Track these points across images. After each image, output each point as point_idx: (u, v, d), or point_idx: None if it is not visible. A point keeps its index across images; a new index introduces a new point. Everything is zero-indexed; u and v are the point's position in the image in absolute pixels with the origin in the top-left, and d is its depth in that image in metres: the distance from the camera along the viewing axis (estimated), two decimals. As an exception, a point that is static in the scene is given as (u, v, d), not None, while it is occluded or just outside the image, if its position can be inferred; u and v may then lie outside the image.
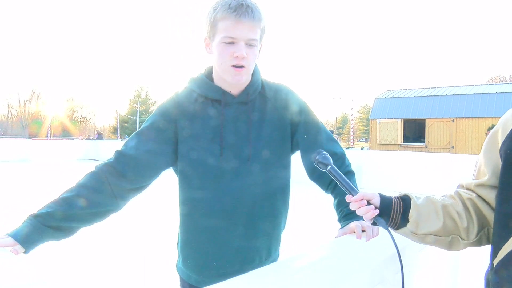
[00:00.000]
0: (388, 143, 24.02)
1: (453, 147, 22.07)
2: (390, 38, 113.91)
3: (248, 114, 1.29)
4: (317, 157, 1.01)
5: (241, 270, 0.94)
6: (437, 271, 1.53)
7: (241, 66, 1.20)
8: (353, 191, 0.96)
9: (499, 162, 0.90)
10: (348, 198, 0.96)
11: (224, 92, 1.28)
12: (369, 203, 0.94)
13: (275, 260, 1.39)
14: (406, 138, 24.04)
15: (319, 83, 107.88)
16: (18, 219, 1.10)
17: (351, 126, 27.04)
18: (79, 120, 60.90)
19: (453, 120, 22.33)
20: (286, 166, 1.36)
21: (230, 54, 1.19)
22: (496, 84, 26.70)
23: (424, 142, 23.30)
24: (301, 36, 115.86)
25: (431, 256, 1.34)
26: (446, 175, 8.03)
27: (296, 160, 1.39)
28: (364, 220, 0.96)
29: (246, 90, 1.29)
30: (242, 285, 0.75)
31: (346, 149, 15.11)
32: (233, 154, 1.27)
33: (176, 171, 1.35)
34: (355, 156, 10.35)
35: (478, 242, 0.95)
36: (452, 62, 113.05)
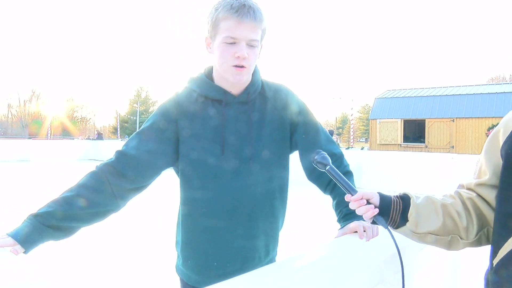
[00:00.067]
0: (388, 143, 24.03)
1: (453, 147, 22.08)
2: (390, 38, 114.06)
3: (248, 114, 1.29)
4: (316, 157, 1.01)
5: (241, 270, 0.94)
6: (437, 271, 1.53)
7: (242, 66, 1.20)
8: (352, 190, 0.96)
9: (500, 162, 0.90)
10: (347, 197, 0.96)
11: (225, 92, 1.28)
12: (368, 202, 0.94)
13: (273, 258, 1.40)
14: (406, 138, 24.05)
15: (319, 83, 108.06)
16: (18, 219, 1.10)
17: (351, 126, 27.06)
18: (79, 120, 60.92)
19: (453, 120, 22.34)
20: (286, 166, 1.37)
21: (231, 54, 1.19)
22: (496, 84, 26.72)
23: (424, 142, 23.31)
24: (301, 36, 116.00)
25: (431, 256, 1.34)
26: (446, 175, 8.04)
27: (294, 160, 1.39)
28: (364, 219, 0.96)
29: (247, 90, 1.29)
30: (242, 285, 0.75)
31: (346, 149, 15.13)
32: (233, 154, 1.27)
33: (176, 171, 1.35)
34: (355, 156, 10.35)
35: (478, 242, 0.95)
36: (452, 62, 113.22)
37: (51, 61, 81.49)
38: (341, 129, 64.41)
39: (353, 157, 10.00)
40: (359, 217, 1.12)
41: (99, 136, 23.63)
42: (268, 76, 1.38)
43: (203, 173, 1.27)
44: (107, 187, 1.19)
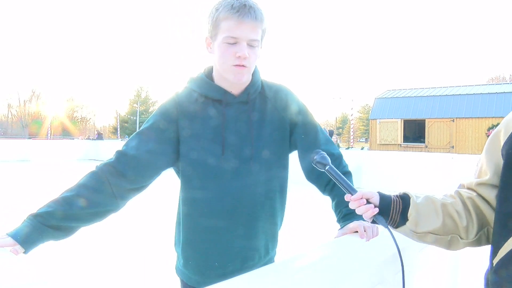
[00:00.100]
0: (388, 143, 24.02)
1: (453, 147, 22.08)
2: (390, 38, 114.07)
3: (248, 114, 1.29)
4: (315, 157, 1.01)
5: (241, 270, 0.94)
6: (437, 271, 1.53)
7: (243, 66, 1.20)
8: (352, 190, 0.96)
9: (501, 162, 0.90)
10: (347, 197, 0.96)
11: (225, 92, 1.28)
12: (368, 202, 0.94)
13: (272, 257, 1.40)
14: (406, 138, 24.04)
15: (319, 83, 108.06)
16: (18, 219, 1.10)
17: (351, 126, 27.04)
18: (79, 120, 60.91)
19: (453, 120, 22.33)
20: (285, 166, 1.37)
21: (232, 54, 1.19)
22: (496, 84, 26.71)
23: (424, 142, 23.31)
24: (301, 36, 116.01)
25: (431, 256, 1.34)
26: (446, 175, 8.03)
27: (294, 160, 1.39)
28: (364, 219, 0.96)
29: (247, 90, 1.29)
30: (242, 285, 0.75)
31: (346, 149, 15.12)
32: (233, 154, 1.27)
33: (177, 171, 1.35)
34: (355, 156, 10.35)
35: (478, 242, 0.95)
36: (452, 62, 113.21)
37: (51, 61, 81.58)
38: (341, 129, 64.40)
39: (353, 157, 10.00)
40: (359, 217, 1.12)
41: (99, 136, 23.63)
42: (268, 76, 1.38)
43: (203, 173, 1.27)
44: (107, 187, 1.18)
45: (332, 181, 1.27)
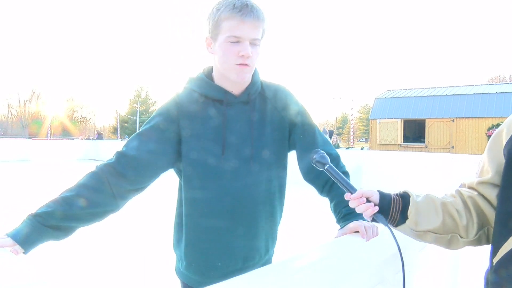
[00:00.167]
0: (388, 143, 24.02)
1: (453, 147, 22.07)
2: (390, 38, 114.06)
3: (248, 114, 1.29)
4: (314, 156, 1.01)
5: (242, 269, 0.94)
6: (437, 271, 1.53)
7: (246, 64, 1.21)
8: (351, 189, 0.96)
9: (503, 161, 0.91)
10: (347, 196, 0.96)
11: (225, 92, 1.28)
12: (368, 201, 0.94)
13: (271, 256, 1.42)
14: (406, 138, 24.03)
15: (319, 83, 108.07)
16: (18, 219, 1.10)
17: (351, 126, 27.02)
18: (79, 120, 60.89)
19: (453, 120, 22.33)
20: (285, 166, 1.38)
21: (235, 53, 1.19)
22: (496, 84, 26.69)
23: (424, 142, 23.30)
24: (301, 36, 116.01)
25: (431, 256, 1.34)
26: (446, 175, 8.03)
27: (293, 160, 1.40)
28: (364, 219, 0.96)
29: (247, 90, 1.30)
30: (242, 285, 0.75)
31: (346, 149, 15.11)
32: (234, 154, 1.27)
33: (177, 172, 1.35)
34: (355, 156, 10.35)
35: (478, 241, 0.95)
36: (452, 62, 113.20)
37: (51, 61, 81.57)
38: (341, 129, 64.42)
39: (353, 157, 10.00)
40: (359, 217, 1.12)
41: (99, 136, 23.62)
42: (268, 76, 1.39)
43: (203, 173, 1.27)
44: (107, 187, 1.18)
45: (330, 182, 1.27)
